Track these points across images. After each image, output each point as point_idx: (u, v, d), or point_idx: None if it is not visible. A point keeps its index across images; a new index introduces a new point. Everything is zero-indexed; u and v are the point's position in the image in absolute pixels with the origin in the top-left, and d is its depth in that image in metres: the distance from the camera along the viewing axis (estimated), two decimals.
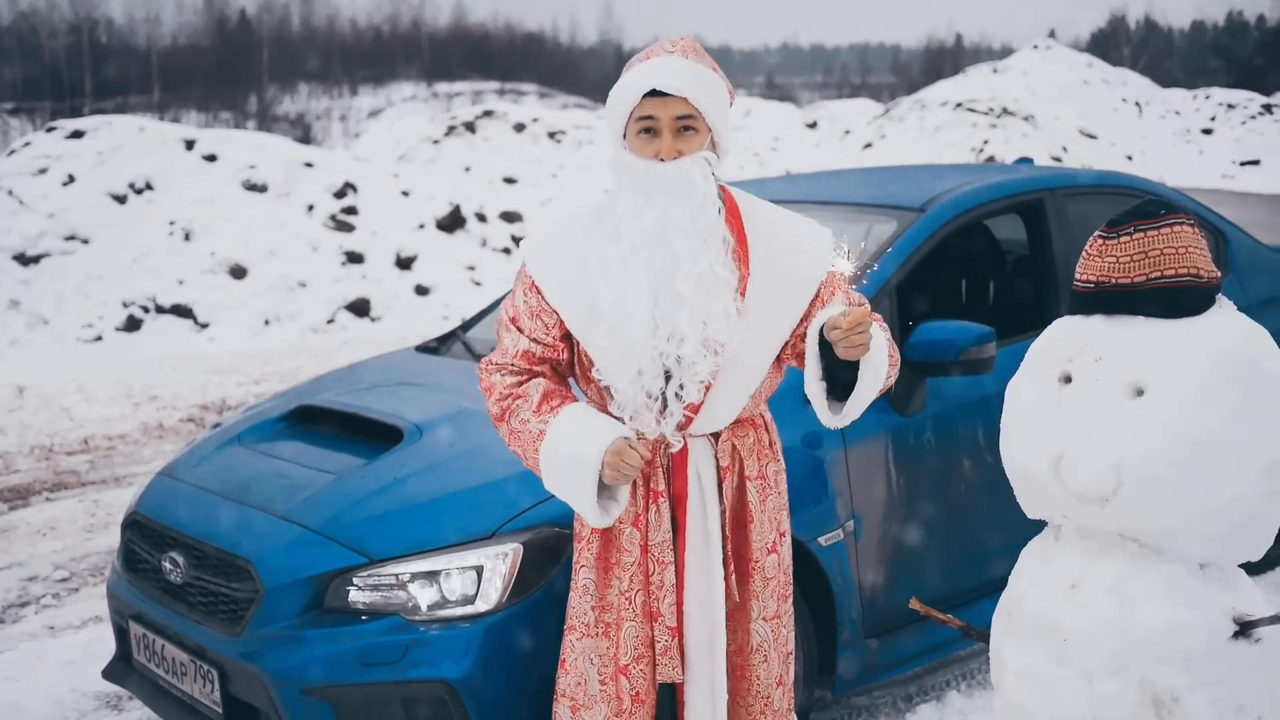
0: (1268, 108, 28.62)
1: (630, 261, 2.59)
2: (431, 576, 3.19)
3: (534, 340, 2.74)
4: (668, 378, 2.63)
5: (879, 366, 2.53)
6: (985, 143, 23.60)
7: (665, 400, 2.63)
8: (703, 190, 2.59)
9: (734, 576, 2.77)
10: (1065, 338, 2.35)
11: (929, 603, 3.03)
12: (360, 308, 11.47)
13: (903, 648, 3.83)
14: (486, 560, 3.17)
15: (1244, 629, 2.22)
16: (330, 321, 11.23)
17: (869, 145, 24.37)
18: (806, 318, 2.67)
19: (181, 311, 11.07)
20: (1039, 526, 4.02)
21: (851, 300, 2.58)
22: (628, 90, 2.60)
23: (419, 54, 73.79)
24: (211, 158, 12.52)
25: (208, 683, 3.41)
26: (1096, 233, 2.33)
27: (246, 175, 12.35)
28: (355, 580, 3.23)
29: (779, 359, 2.73)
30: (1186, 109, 28.75)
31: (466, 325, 4.90)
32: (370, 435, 3.75)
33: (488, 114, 16.82)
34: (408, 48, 75.74)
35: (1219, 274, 2.31)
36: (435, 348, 4.71)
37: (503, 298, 5.06)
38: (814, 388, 2.56)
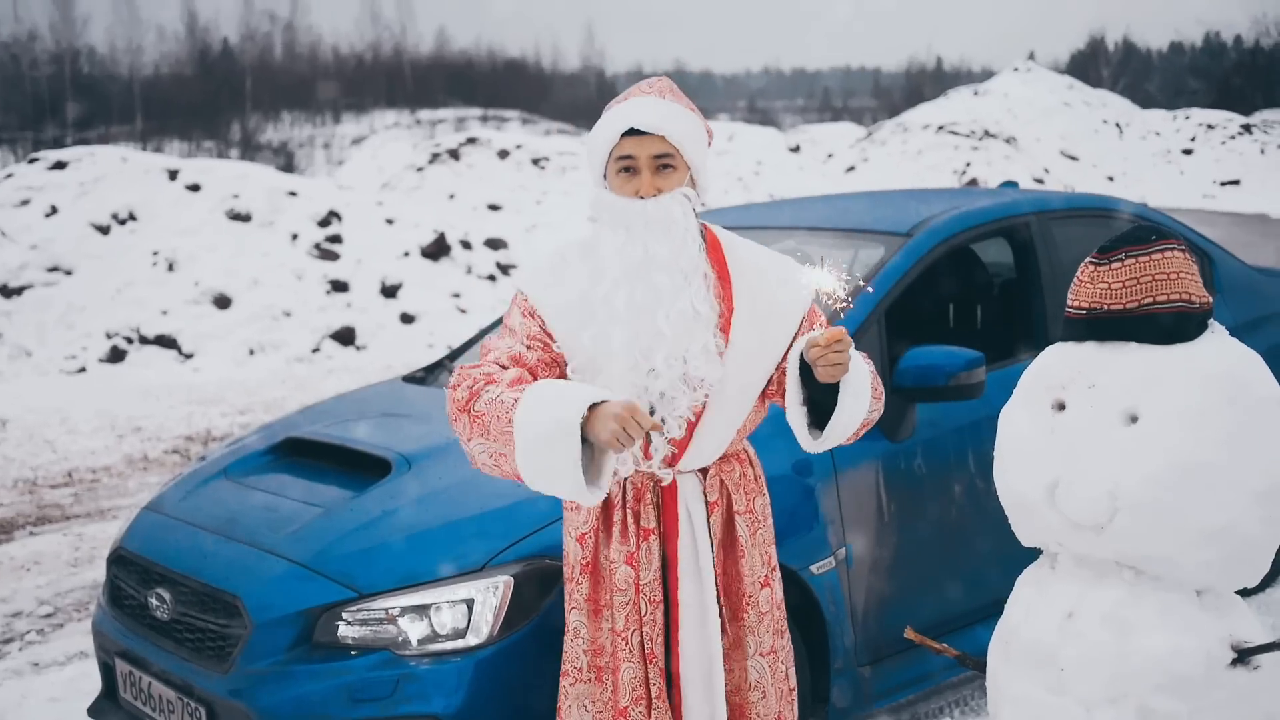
0: (1247, 128, 28.83)
1: (611, 298, 2.58)
2: (422, 610, 3.16)
3: (528, 346, 2.67)
4: (651, 412, 2.60)
5: (860, 391, 2.54)
6: (968, 165, 23.70)
7: (649, 436, 2.59)
8: (683, 226, 2.60)
9: (726, 612, 2.74)
10: (1058, 364, 2.34)
11: (922, 628, 3.02)
12: (345, 336, 11.44)
13: (896, 675, 3.81)
14: (477, 593, 3.14)
15: (1242, 656, 2.20)
16: (315, 350, 11.20)
17: (851, 169, 24.45)
18: (788, 352, 2.67)
19: (165, 342, 11.03)
20: (1031, 550, 4.03)
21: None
22: (606, 129, 2.62)
23: (402, 81, 73.87)
24: (195, 187, 12.49)
25: None
26: (1088, 259, 2.33)
27: (230, 205, 12.32)
28: (344, 615, 3.20)
29: (763, 394, 2.73)
30: (1167, 130, 28.94)
31: (454, 354, 4.88)
32: (358, 467, 3.72)
33: (471, 141, 16.83)
34: (390, 75, 75.83)
35: (1210, 299, 2.30)
36: (423, 378, 4.69)
37: (491, 326, 5.05)
38: (795, 413, 2.57)
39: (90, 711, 3.85)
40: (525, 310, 2.71)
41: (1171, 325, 2.24)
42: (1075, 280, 2.34)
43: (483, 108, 68.50)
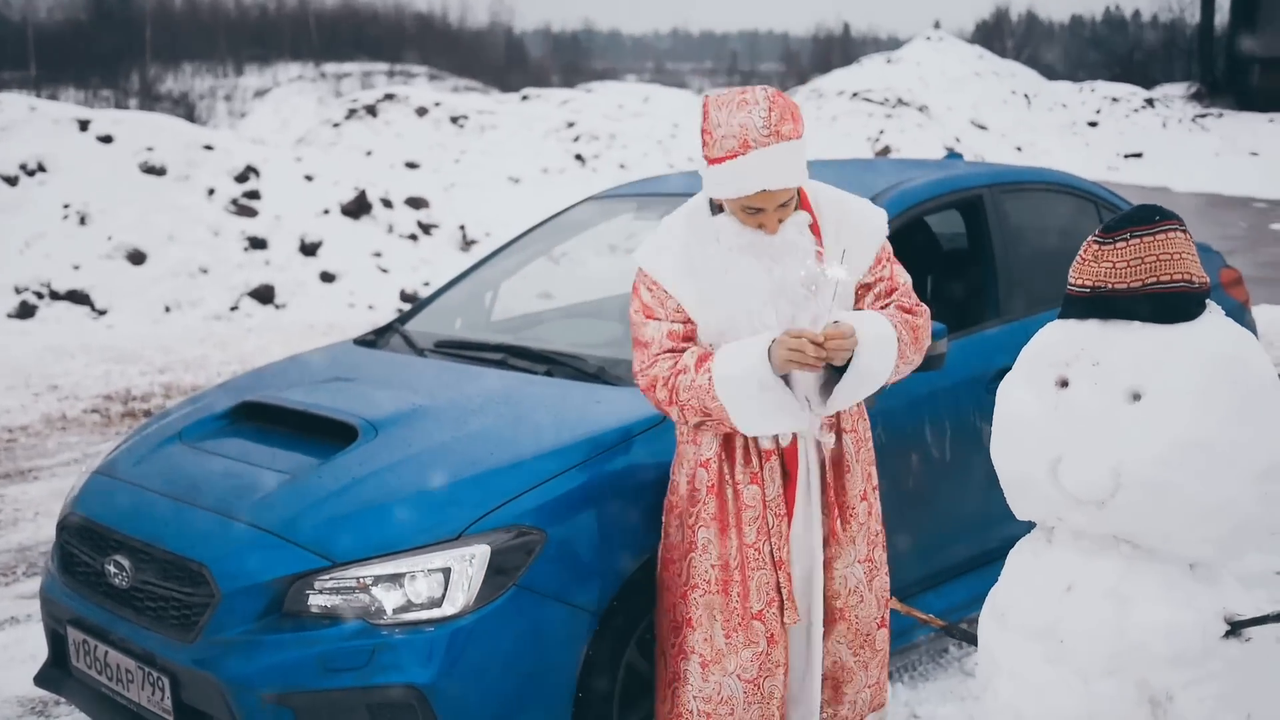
0: (1149, 101, 29.41)
1: (757, 320, 2.92)
2: (396, 579, 3.12)
3: (674, 321, 3.04)
4: None
5: (867, 370, 2.91)
6: (881, 132, 23.90)
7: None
8: (806, 247, 2.93)
9: (831, 524, 3.12)
10: (1061, 342, 2.36)
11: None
12: (264, 295, 11.24)
13: None
14: (454, 562, 3.11)
15: (1235, 628, 2.25)
16: (234, 309, 10.99)
17: None
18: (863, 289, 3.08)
19: (78, 298, 10.74)
20: (976, 515, 4.10)
21: (896, 278, 3.10)
22: (735, 183, 2.86)
23: (306, 34, 72.43)
24: (107, 139, 12.15)
25: (158, 690, 3.30)
26: (1091, 238, 2.35)
27: (144, 158, 12.01)
28: (316, 584, 3.15)
29: None
30: (1073, 102, 29.41)
31: (404, 318, 4.82)
32: (321, 433, 3.66)
33: (389, 97, 16.58)
34: (295, 27, 74.27)
35: (1208, 280, 2.34)
36: (374, 341, 4.62)
37: (446, 286, 4.98)
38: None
39: (38, 681, 3.74)
40: (656, 290, 3.07)
41: (1174, 305, 2.28)
42: (1078, 258, 2.36)
43: (390, 63, 67.40)
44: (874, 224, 3.10)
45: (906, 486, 4.01)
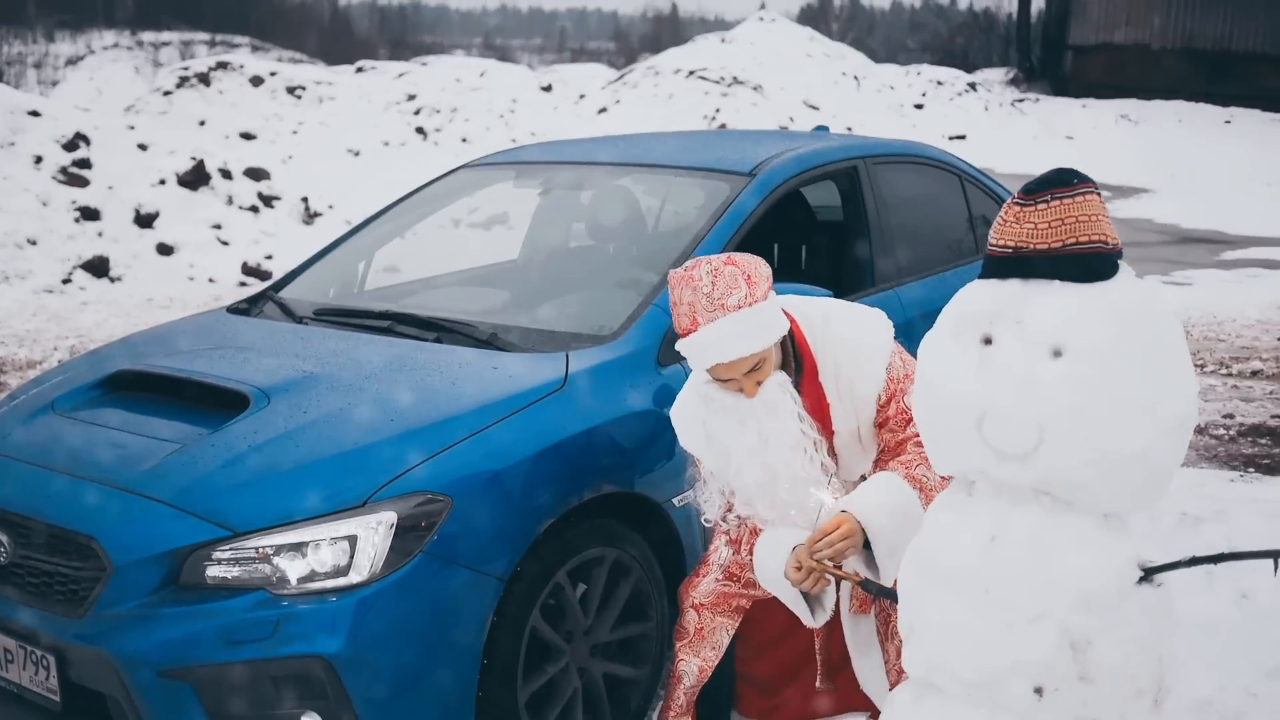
0: (972, 85, 30.27)
1: (740, 476, 3.02)
2: (299, 548, 3.06)
3: None
4: None
5: (897, 543, 2.88)
6: (717, 111, 24.10)
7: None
8: (788, 407, 2.97)
9: None
10: (984, 301, 2.42)
11: None
12: (98, 267, 10.81)
13: None
14: (360, 530, 3.06)
15: (1148, 574, 2.35)
16: (66, 281, 10.54)
17: (604, 110, 24.51)
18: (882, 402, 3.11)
19: None
20: None
21: (908, 409, 3.04)
22: (694, 356, 2.94)
23: (122, 0, 69.60)
24: None
25: (41, 669, 3.18)
26: (1013, 199, 2.41)
27: None
28: (215, 554, 3.06)
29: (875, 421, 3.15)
30: (900, 84, 30.06)
31: (278, 285, 4.70)
32: (206, 402, 3.55)
33: (222, 66, 16.05)
34: None
35: (1119, 240, 2.43)
36: (247, 309, 4.50)
37: (319, 254, 4.86)
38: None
39: None
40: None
41: (1093, 265, 2.36)
42: (999, 220, 2.42)
43: (211, 33, 65.19)
44: (875, 364, 3.07)
45: None
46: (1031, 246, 2.37)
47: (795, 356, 3.06)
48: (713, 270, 2.88)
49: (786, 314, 3.03)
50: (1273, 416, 7.81)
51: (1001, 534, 2.39)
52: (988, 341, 2.40)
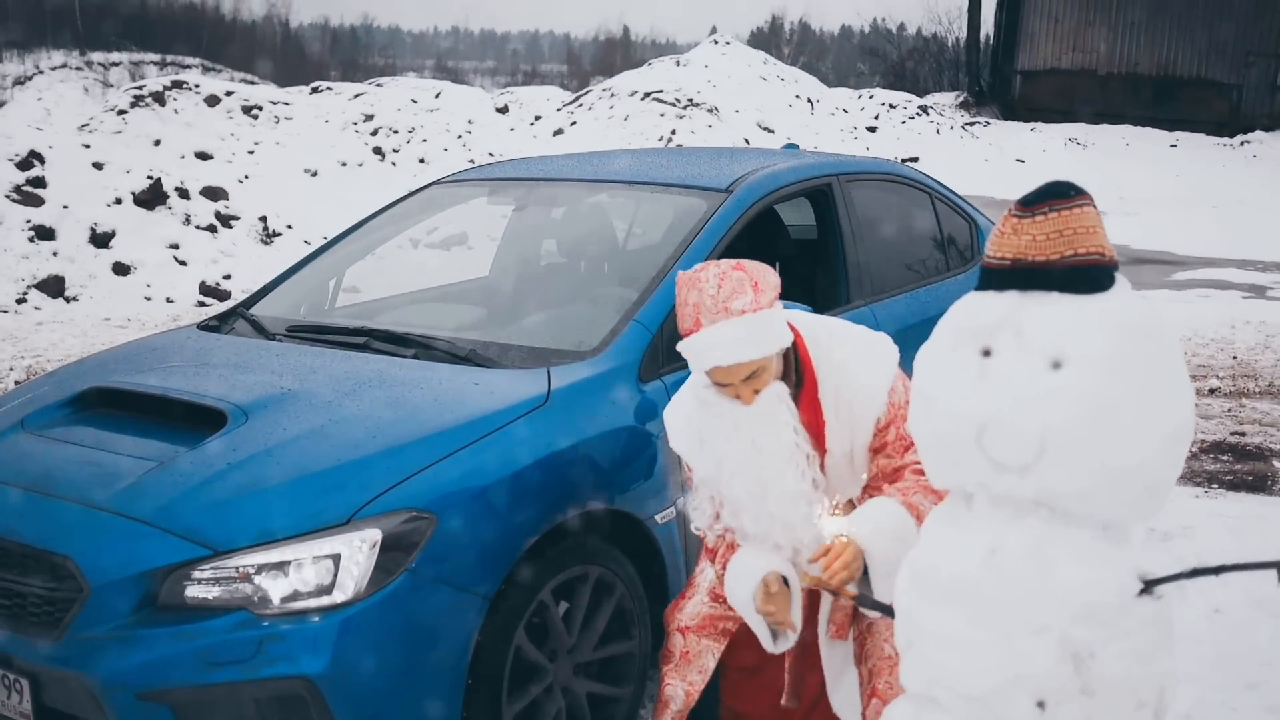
0: (924, 109, 30.54)
1: (730, 486, 2.98)
2: (282, 567, 3.00)
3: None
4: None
5: (891, 564, 2.86)
6: (673, 132, 24.14)
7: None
8: (784, 418, 2.94)
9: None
10: (983, 312, 2.42)
11: None
12: (54, 287, 10.66)
13: None
14: (344, 548, 3.02)
15: (1149, 586, 2.35)
16: (21, 300, 10.38)
17: (560, 131, 24.49)
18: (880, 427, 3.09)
19: None
20: None
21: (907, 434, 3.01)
22: (692, 360, 2.92)
23: (71, 21, 68.91)
24: None
25: (14, 693, 3.10)
26: (1010, 211, 2.41)
27: None
28: (195, 574, 3.00)
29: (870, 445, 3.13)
30: (853, 107, 30.27)
31: (248, 302, 4.64)
32: (182, 419, 3.49)
33: (178, 85, 15.92)
34: (57, 14, 70.53)
35: (1115, 252, 2.44)
36: (218, 326, 4.44)
37: (289, 272, 4.81)
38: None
39: None
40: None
41: (1091, 276, 2.36)
42: (996, 232, 2.42)
43: (161, 53, 64.68)
44: (877, 388, 3.05)
45: None
46: (1030, 258, 2.37)
47: (797, 371, 3.04)
48: (720, 274, 2.87)
49: (792, 328, 3.02)
50: (1232, 433, 7.89)
51: (1001, 547, 2.38)
52: (987, 353, 2.40)
